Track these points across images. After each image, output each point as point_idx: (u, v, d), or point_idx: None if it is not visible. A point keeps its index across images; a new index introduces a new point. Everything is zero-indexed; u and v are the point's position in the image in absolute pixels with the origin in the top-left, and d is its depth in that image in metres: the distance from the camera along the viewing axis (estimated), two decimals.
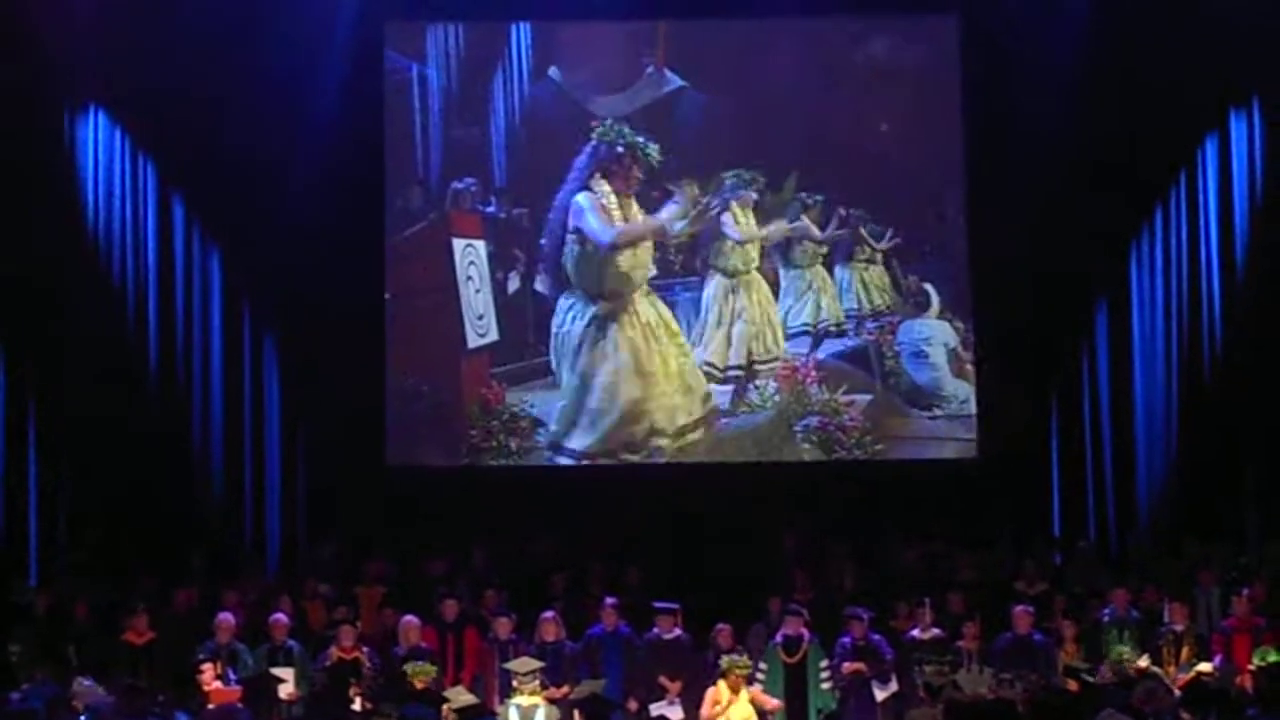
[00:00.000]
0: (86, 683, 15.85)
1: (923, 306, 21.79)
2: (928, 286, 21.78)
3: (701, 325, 21.61)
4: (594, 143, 21.43)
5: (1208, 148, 21.41)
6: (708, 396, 21.48)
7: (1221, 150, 21.32)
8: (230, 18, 20.39)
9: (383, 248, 21.50)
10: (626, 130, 21.38)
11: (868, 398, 21.60)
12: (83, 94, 20.98)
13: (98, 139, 21.07)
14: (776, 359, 21.57)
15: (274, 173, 20.63)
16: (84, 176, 21.00)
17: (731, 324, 21.63)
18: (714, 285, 21.67)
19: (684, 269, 21.70)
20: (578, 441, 21.41)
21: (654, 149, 21.37)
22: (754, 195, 21.58)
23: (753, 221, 21.66)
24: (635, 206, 21.48)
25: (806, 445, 21.41)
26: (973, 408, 21.57)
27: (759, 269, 21.72)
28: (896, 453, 21.54)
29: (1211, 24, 20.44)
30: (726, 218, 21.58)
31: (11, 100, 20.16)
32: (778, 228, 21.68)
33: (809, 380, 21.52)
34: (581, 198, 21.38)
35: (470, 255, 21.58)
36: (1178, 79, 20.68)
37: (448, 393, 21.47)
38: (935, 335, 21.76)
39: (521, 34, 21.69)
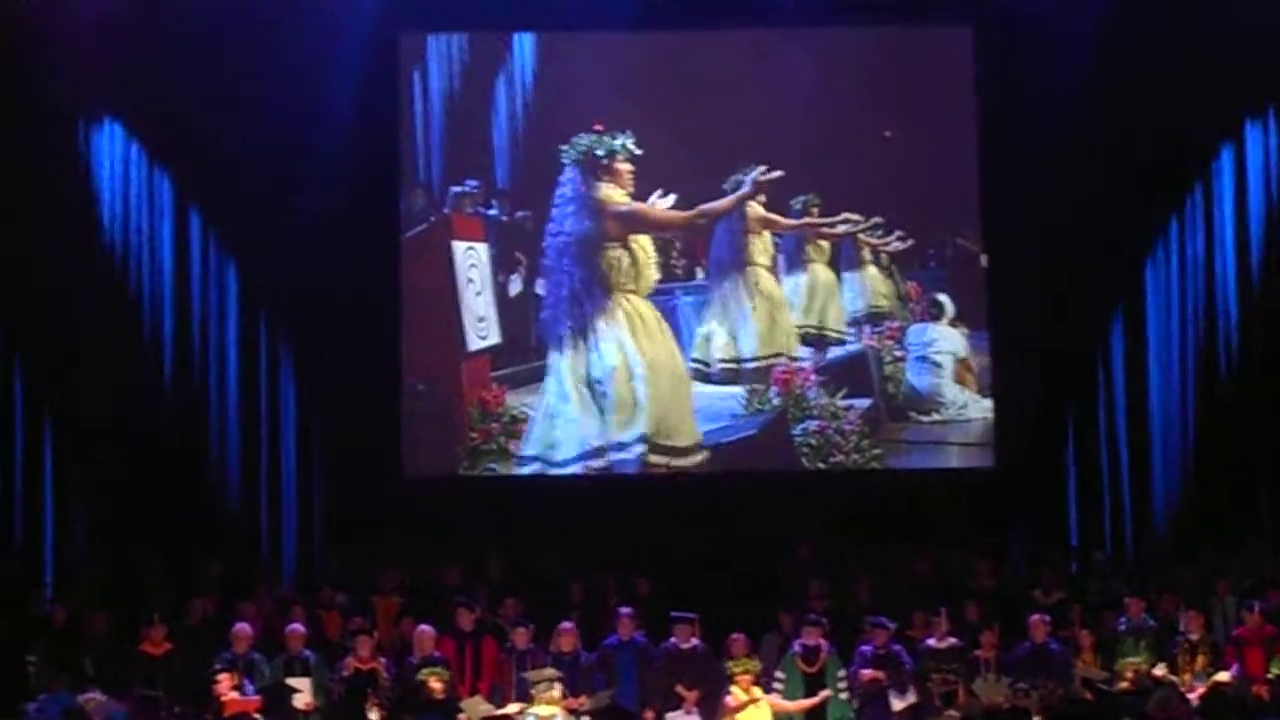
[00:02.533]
0: (88, 695, 15.90)
1: (936, 316, 21.81)
2: (942, 297, 21.79)
3: (703, 321, 21.66)
4: (573, 165, 21.43)
5: (1224, 158, 21.41)
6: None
7: (1237, 160, 21.32)
8: (243, 32, 20.44)
9: (398, 256, 21.54)
10: (589, 139, 21.37)
11: (866, 402, 21.64)
12: (98, 107, 21.03)
13: (114, 151, 21.12)
14: (780, 356, 21.59)
15: (289, 183, 20.68)
16: (100, 189, 21.04)
17: (736, 321, 21.66)
18: (722, 280, 21.72)
19: (686, 272, 21.75)
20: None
21: (628, 141, 21.34)
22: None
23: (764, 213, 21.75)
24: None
25: (805, 449, 21.42)
26: (970, 413, 21.62)
27: (769, 269, 21.76)
28: (893, 457, 21.54)
29: (1227, 34, 20.45)
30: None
31: (27, 113, 20.22)
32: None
33: (808, 384, 21.54)
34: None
35: (471, 258, 21.60)
36: (1193, 89, 20.67)
37: (448, 395, 21.48)
38: (944, 343, 21.78)
39: (524, 44, 21.75)
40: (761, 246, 21.75)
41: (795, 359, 21.60)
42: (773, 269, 21.80)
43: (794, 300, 21.78)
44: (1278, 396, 20.80)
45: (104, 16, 20.11)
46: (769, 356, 21.64)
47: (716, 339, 21.71)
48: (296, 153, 20.73)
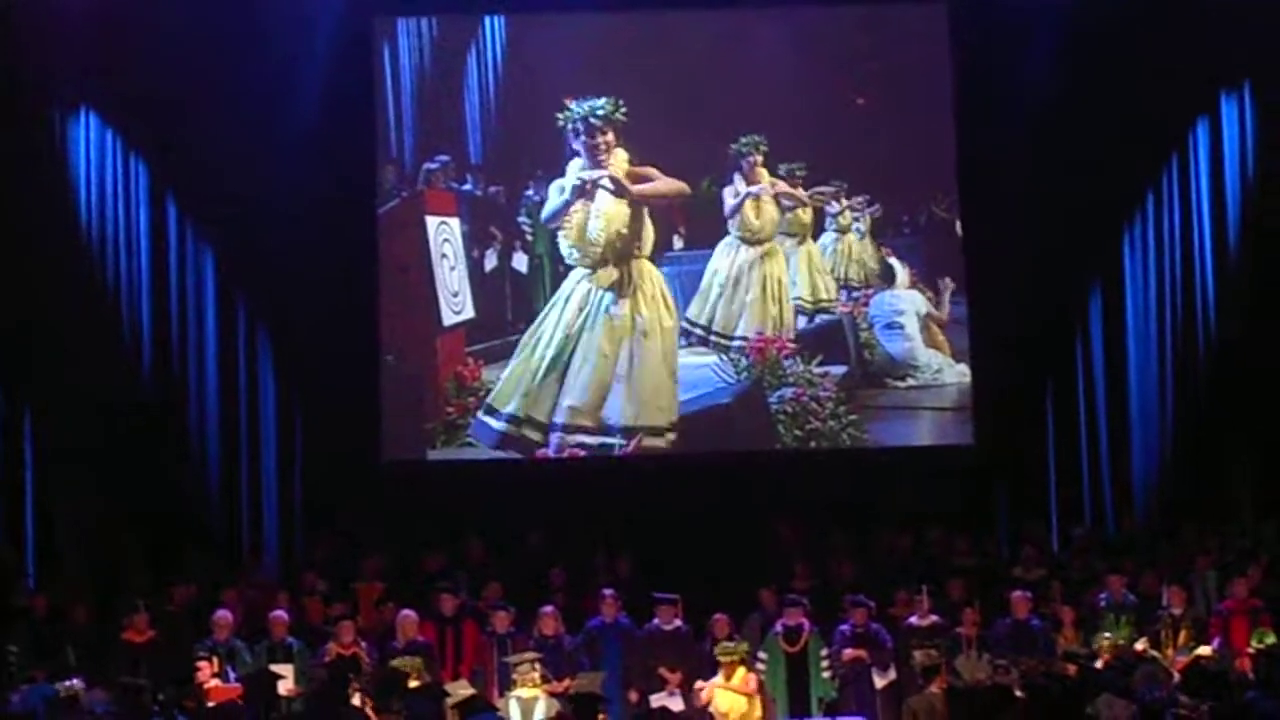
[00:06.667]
0: (71, 683, 15.87)
1: (888, 280, 21.82)
2: (893, 261, 21.80)
3: (701, 287, 21.66)
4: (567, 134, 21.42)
5: (1199, 131, 21.40)
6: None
7: (1213, 133, 21.31)
8: (217, 18, 20.42)
9: (375, 237, 21.52)
10: (579, 107, 21.32)
11: (842, 369, 21.65)
12: (73, 96, 20.94)
13: (89, 140, 21.05)
14: (777, 329, 21.63)
15: (263, 169, 20.61)
16: (76, 178, 20.96)
17: (736, 291, 21.65)
18: (729, 250, 21.74)
19: (689, 241, 21.77)
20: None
21: (609, 104, 21.30)
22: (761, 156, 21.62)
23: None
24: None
25: (781, 417, 21.40)
26: (945, 378, 21.63)
27: (760, 239, 21.75)
28: (870, 424, 21.51)
29: (1202, 7, 20.45)
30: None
31: (2, 102, 20.16)
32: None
33: (783, 353, 21.55)
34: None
35: (444, 233, 21.61)
36: (1169, 62, 20.66)
37: (423, 369, 21.49)
38: (906, 305, 21.80)
39: (496, 25, 21.72)
40: (752, 215, 21.72)
41: (794, 338, 21.61)
42: (764, 238, 21.79)
43: (785, 271, 21.78)
44: (1255, 369, 20.80)
45: (78, 6, 20.06)
46: (775, 330, 21.64)
47: (712, 299, 21.68)
48: (271, 136, 20.67)
